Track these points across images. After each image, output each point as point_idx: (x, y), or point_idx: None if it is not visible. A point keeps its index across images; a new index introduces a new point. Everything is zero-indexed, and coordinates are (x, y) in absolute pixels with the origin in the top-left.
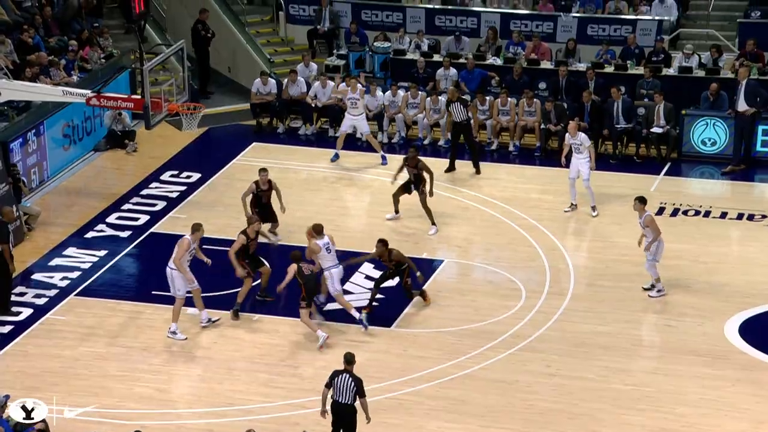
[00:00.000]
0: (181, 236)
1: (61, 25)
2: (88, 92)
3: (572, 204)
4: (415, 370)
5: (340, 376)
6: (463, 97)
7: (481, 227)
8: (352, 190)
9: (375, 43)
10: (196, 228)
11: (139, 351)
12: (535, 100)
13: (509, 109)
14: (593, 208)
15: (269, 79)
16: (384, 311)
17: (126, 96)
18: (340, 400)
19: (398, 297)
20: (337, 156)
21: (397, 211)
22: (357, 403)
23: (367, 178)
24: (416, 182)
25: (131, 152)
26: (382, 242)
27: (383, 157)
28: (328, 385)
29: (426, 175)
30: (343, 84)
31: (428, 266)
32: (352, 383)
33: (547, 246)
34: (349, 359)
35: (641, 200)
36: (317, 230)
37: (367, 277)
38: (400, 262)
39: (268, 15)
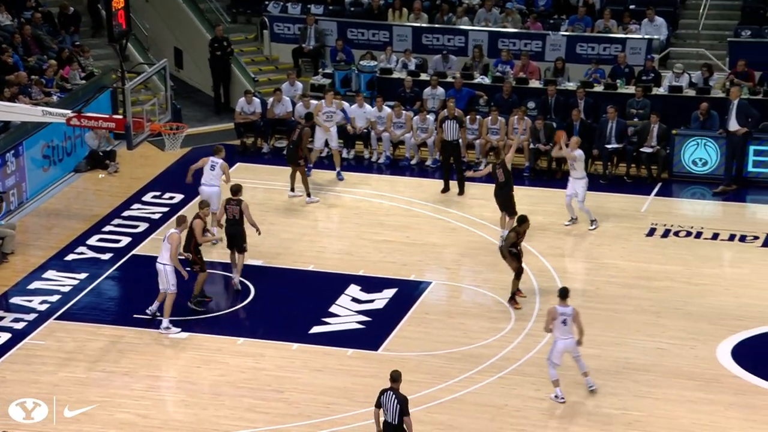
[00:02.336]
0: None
1: (40, 44)
2: (68, 112)
3: (572, 218)
4: None
5: (386, 394)
6: (458, 116)
7: (470, 249)
8: (336, 211)
9: (361, 62)
10: (182, 220)
11: (120, 376)
12: (525, 118)
13: (499, 128)
14: (592, 222)
15: (253, 98)
16: (371, 335)
17: (107, 116)
18: (388, 420)
19: (385, 319)
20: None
21: (293, 189)
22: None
23: (347, 198)
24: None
25: (113, 173)
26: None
27: (339, 173)
28: (378, 404)
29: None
30: (317, 101)
31: (416, 288)
32: (396, 402)
33: (536, 267)
34: (395, 377)
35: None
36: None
37: (354, 300)
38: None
39: (253, 34)
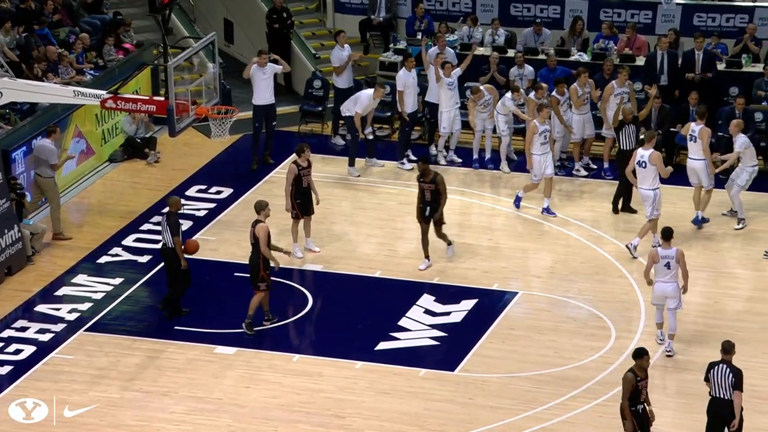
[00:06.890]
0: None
1: (72, 14)
2: (103, 93)
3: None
4: (483, 423)
5: (718, 367)
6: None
7: (563, 254)
8: (407, 208)
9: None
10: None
11: (159, 397)
12: (628, 81)
13: (589, 90)
14: (740, 221)
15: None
16: (446, 353)
17: (147, 97)
18: (718, 395)
19: (463, 335)
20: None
21: (428, 256)
22: None
23: None
24: (433, 203)
25: (152, 163)
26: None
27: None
28: (707, 379)
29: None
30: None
31: (499, 299)
32: (731, 375)
33: (642, 277)
34: (728, 348)
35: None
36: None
37: (427, 312)
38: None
39: (314, 3)
